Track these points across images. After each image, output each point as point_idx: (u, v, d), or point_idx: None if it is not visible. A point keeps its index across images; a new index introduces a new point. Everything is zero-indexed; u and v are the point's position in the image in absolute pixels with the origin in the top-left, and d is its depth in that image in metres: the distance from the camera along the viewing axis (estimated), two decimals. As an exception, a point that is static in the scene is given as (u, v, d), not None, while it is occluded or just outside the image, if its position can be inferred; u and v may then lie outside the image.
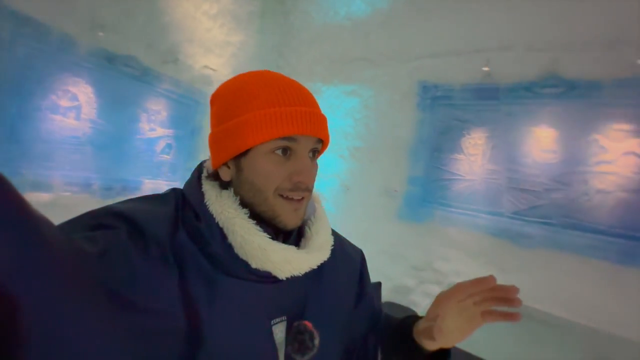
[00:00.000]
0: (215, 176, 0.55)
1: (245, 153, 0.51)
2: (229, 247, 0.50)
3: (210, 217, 0.51)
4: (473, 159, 2.63)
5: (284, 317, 0.55)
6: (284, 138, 0.50)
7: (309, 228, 0.58)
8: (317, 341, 0.54)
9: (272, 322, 0.53)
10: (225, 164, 0.54)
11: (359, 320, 0.67)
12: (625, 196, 2.03)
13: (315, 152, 0.55)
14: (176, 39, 2.88)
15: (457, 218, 2.63)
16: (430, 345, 0.58)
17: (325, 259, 0.57)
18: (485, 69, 2.55)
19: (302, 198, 0.53)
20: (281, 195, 0.52)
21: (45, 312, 0.33)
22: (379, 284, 0.74)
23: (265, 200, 0.52)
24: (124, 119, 2.59)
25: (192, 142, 3.15)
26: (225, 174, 0.54)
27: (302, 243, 0.57)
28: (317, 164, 0.56)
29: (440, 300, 0.55)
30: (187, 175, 0.59)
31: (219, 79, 3.29)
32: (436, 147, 2.83)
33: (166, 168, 2.98)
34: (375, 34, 3.25)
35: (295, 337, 0.54)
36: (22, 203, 0.33)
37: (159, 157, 2.91)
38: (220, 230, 0.51)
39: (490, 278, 0.51)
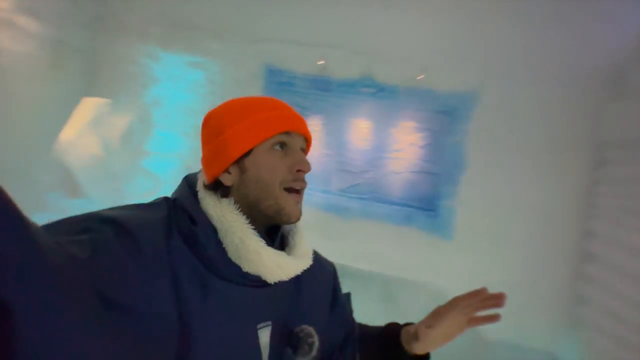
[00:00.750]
0: (212, 188, 0.58)
1: (247, 154, 0.57)
2: (223, 251, 0.53)
3: (206, 221, 0.53)
4: (312, 143, 2.96)
5: (269, 322, 0.58)
6: (282, 133, 0.59)
7: (292, 237, 0.65)
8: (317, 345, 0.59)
9: (258, 327, 0.57)
10: (226, 171, 0.57)
11: (334, 328, 0.71)
12: (409, 176, 2.80)
13: (303, 151, 0.64)
14: None
15: (299, 196, 2.95)
16: (416, 349, 0.66)
17: (308, 266, 0.62)
18: (320, 62, 2.85)
19: (301, 189, 0.61)
20: (285, 189, 0.58)
21: (37, 318, 0.33)
22: (348, 294, 0.81)
23: (272, 193, 0.57)
24: None
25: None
26: (227, 179, 0.57)
27: (287, 251, 0.62)
28: None
29: (439, 313, 0.64)
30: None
31: None
32: (281, 131, 3.03)
33: None
34: (222, 6, 3.07)
35: (305, 339, 0.58)
36: (13, 208, 0.32)
37: None
38: (215, 234, 0.53)
39: (483, 290, 0.61)
